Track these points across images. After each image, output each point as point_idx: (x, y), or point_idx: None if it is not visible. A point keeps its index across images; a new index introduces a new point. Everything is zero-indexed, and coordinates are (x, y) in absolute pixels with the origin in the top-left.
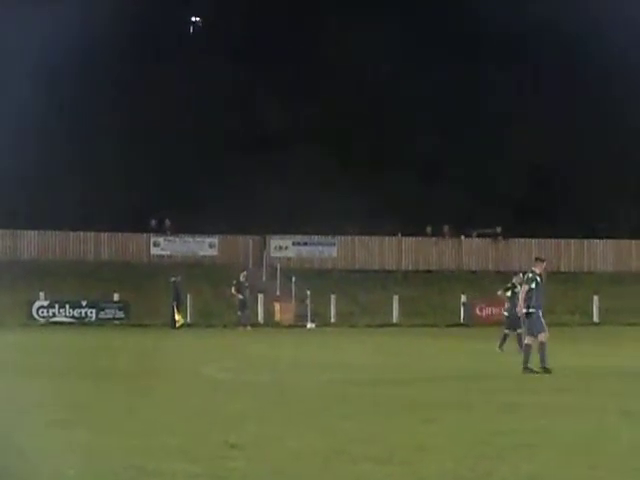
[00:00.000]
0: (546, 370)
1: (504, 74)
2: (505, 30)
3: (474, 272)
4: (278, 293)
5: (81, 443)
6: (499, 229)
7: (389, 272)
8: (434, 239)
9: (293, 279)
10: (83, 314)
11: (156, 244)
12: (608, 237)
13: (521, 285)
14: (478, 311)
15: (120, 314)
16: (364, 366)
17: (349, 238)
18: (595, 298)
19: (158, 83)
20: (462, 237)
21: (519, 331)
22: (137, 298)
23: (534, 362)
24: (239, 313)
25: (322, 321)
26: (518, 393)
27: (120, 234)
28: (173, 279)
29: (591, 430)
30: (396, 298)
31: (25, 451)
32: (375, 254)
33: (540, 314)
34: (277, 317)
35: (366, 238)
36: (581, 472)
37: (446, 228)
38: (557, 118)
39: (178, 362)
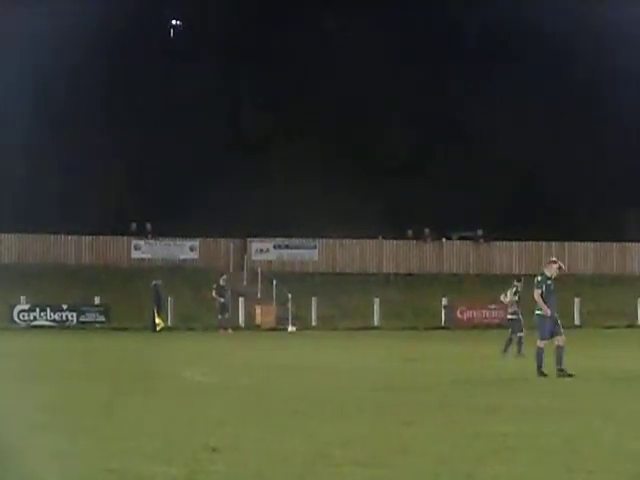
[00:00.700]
0: (563, 372)
1: (486, 74)
2: (488, 29)
3: (455, 275)
4: (259, 296)
5: (60, 447)
6: (480, 232)
7: (370, 275)
8: (415, 242)
9: (274, 282)
10: (64, 318)
11: (137, 247)
12: (589, 239)
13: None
14: (459, 314)
15: (101, 318)
16: (345, 369)
17: (330, 241)
18: (576, 300)
19: (139, 87)
20: (443, 240)
21: (519, 334)
22: (118, 301)
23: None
24: (219, 316)
25: (303, 324)
26: (499, 396)
27: (101, 238)
28: (154, 282)
29: (571, 433)
30: (377, 301)
31: (4, 455)
32: (356, 257)
33: (552, 317)
34: (258, 320)
35: (347, 241)
36: (561, 475)
37: (427, 231)
38: (539, 120)
39: (158, 365)
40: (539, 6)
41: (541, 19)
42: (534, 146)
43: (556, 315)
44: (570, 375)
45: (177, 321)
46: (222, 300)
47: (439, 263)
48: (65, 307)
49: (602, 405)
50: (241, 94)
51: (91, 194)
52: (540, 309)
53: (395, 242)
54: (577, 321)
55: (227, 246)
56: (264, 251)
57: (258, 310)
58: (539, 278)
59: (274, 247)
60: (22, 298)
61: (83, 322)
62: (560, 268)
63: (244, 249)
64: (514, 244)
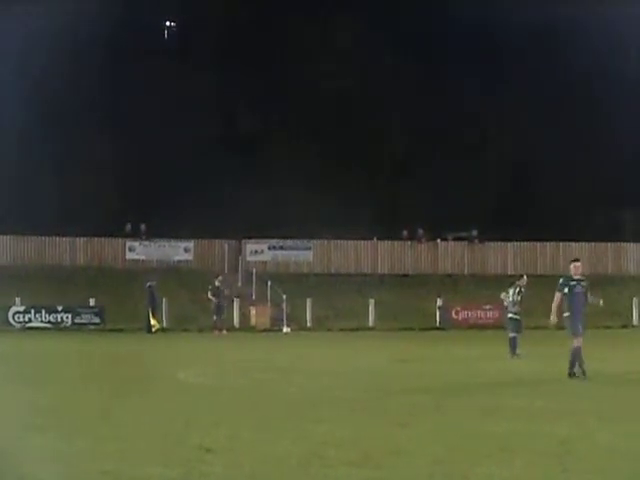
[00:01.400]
0: (571, 375)
1: (479, 74)
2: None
3: (450, 275)
4: (254, 297)
5: (56, 448)
6: (475, 232)
7: (365, 276)
8: (410, 243)
9: (269, 283)
10: (59, 319)
11: (131, 249)
12: (584, 240)
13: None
14: (454, 314)
15: (96, 319)
16: (339, 370)
17: (325, 242)
18: None
19: (133, 87)
20: (438, 240)
21: (515, 335)
22: (113, 303)
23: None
24: (214, 317)
25: (298, 325)
26: (494, 397)
27: (95, 239)
28: (149, 284)
29: (567, 434)
30: (372, 302)
31: (0, 456)
32: (351, 258)
33: (576, 318)
34: (253, 321)
35: (342, 242)
36: (556, 476)
37: (422, 232)
38: (534, 120)
39: (154, 367)
40: (536, 6)
41: (537, 19)
42: (529, 146)
43: (582, 316)
44: (577, 377)
45: (172, 322)
46: (217, 301)
47: (434, 264)
48: (60, 309)
49: (597, 406)
50: (236, 95)
51: (86, 195)
52: (568, 310)
53: (390, 243)
54: None
55: (222, 247)
56: (259, 252)
57: (253, 311)
58: (560, 280)
59: (269, 248)
60: (17, 300)
61: (78, 323)
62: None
63: (239, 250)
64: (509, 244)
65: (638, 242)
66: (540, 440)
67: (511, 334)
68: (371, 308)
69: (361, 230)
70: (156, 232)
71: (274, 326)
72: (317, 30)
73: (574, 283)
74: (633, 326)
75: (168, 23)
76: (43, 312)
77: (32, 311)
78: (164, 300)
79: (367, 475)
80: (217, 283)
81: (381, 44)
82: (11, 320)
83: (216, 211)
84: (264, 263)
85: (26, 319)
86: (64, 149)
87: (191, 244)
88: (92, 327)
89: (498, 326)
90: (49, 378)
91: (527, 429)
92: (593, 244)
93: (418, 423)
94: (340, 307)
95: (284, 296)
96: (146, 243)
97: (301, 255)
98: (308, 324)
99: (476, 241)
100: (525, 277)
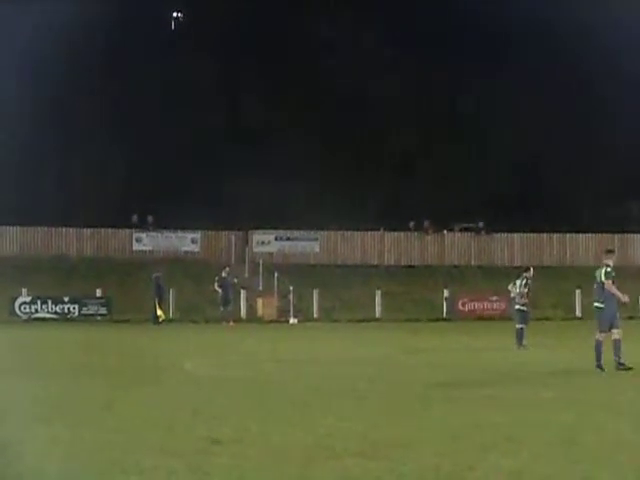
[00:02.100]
0: (623, 366)
1: (488, 67)
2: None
3: (456, 267)
4: (260, 288)
5: (62, 439)
6: (481, 224)
7: (371, 267)
8: (416, 234)
9: (275, 274)
10: (65, 310)
11: (138, 240)
12: (590, 231)
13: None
14: (461, 306)
15: (102, 310)
16: (346, 361)
17: (331, 233)
18: (578, 292)
19: (140, 78)
20: (444, 232)
21: (522, 326)
22: (119, 294)
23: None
24: (221, 308)
25: (305, 316)
26: (500, 388)
27: (102, 230)
28: (155, 275)
29: (573, 424)
30: (379, 293)
31: (6, 447)
32: (357, 249)
33: (613, 309)
34: (260, 312)
35: (348, 233)
36: (563, 466)
37: (428, 223)
38: (539, 113)
39: (160, 358)
40: (540, 3)
41: (541, 16)
42: (535, 138)
43: (617, 308)
44: (629, 368)
45: (178, 313)
46: (223, 293)
47: (440, 255)
48: (66, 299)
49: (604, 396)
50: (242, 86)
51: (92, 186)
52: (599, 301)
53: (396, 234)
54: (578, 313)
55: (228, 238)
56: (265, 243)
57: (260, 302)
58: (608, 269)
59: (275, 239)
60: (23, 290)
61: (84, 314)
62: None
63: (245, 241)
64: (515, 236)
65: None
66: (547, 431)
67: (518, 325)
68: (378, 299)
69: (368, 221)
70: (163, 223)
71: (281, 317)
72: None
73: (615, 273)
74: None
75: (175, 14)
76: (49, 303)
77: (38, 302)
78: (171, 291)
79: (374, 466)
80: (224, 274)
81: (389, 37)
82: (17, 311)
83: (223, 202)
84: (271, 254)
85: (32, 310)
86: (71, 140)
87: (198, 235)
88: (98, 318)
89: (505, 317)
90: (55, 369)
91: (534, 419)
92: (600, 235)
93: (424, 414)
94: (347, 298)
95: (291, 287)
96: (153, 234)
97: (308, 246)
98: (315, 315)
99: (483, 232)
100: (532, 269)
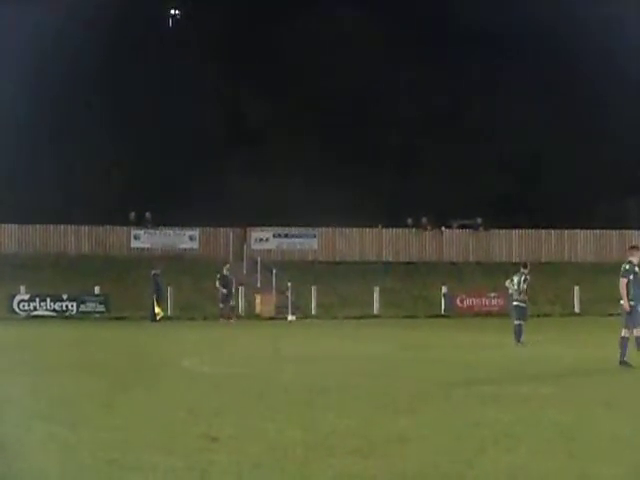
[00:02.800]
0: (623, 362)
1: (486, 65)
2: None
3: (455, 263)
4: (259, 285)
5: (61, 437)
6: (480, 220)
7: (370, 264)
8: (415, 231)
9: (274, 271)
10: (64, 307)
11: (136, 237)
12: (589, 227)
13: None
14: (459, 302)
15: (101, 307)
16: (344, 358)
17: (330, 230)
18: (576, 289)
19: (138, 75)
20: (443, 228)
21: (520, 322)
22: (118, 291)
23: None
24: (221, 305)
25: (303, 313)
26: (498, 384)
27: (100, 227)
28: (153, 272)
29: (572, 421)
30: (377, 290)
31: (5, 445)
32: (356, 246)
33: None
34: (258, 309)
35: (347, 230)
36: (562, 463)
37: (426, 220)
38: (538, 110)
39: (158, 355)
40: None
41: (540, 14)
42: (534, 135)
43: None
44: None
45: (177, 310)
46: (224, 291)
47: (439, 251)
48: (65, 297)
49: (602, 393)
50: (241, 83)
51: (91, 184)
52: (631, 299)
53: (395, 231)
54: (577, 309)
55: (227, 235)
56: (264, 240)
57: (258, 299)
58: (626, 266)
59: (274, 236)
60: (22, 288)
61: (83, 312)
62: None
63: (244, 238)
64: (514, 232)
65: None
66: (545, 427)
67: (516, 322)
68: (376, 296)
69: (366, 218)
70: (161, 220)
71: (279, 314)
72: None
73: (637, 270)
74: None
75: (173, 11)
76: (48, 300)
77: (37, 299)
78: (169, 288)
79: (372, 464)
80: (225, 272)
81: (390, 34)
82: (16, 308)
83: (221, 199)
84: (269, 251)
85: (31, 307)
86: (69, 138)
87: (196, 232)
88: (97, 315)
89: (503, 314)
90: (54, 367)
91: (532, 416)
92: (598, 232)
93: (423, 411)
94: (345, 295)
95: (289, 284)
96: (151, 231)
97: (306, 243)
98: (313, 312)
99: (481, 229)
100: (529, 265)
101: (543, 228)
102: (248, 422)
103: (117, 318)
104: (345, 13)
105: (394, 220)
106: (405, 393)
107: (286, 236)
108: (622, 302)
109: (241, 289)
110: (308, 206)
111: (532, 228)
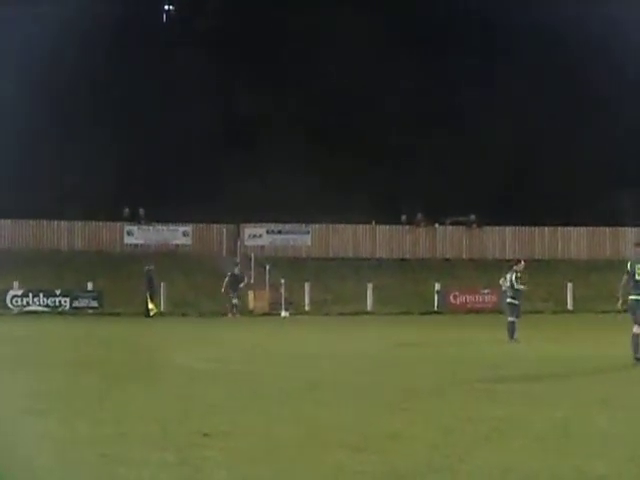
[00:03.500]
0: (637, 359)
1: (480, 61)
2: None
3: (448, 260)
4: (252, 281)
5: (54, 432)
6: (473, 217)
7: (363, 260)
8: (408, 227)
9: (267, 267)
10: (57, 303)
11: (130, 233)
12: (582, 224)
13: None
14: (452, 299)
15: (94, 303)
16: (338, 354)
17: (323, 226)
18: (569, 286)
19: (132, 72)
20: (436, 225)
21: (513, 319)
22: (111, 287)
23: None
24: (234, 301)
25: (296, 309)
26: (491, 380)
27: (94, 223)
28: (147, 268)
29: (565, 417)
30: (370, 286)
31: None
32: (349, 242)
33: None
34: (251, 306)
35: (340, 226)
36: (555, 459)
37: (420, 216)
38: (530, 107)
39: (152, 351)
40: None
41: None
42: (527, 130)
43: None
44: None
45: (170, 306)
46: (235, 293)
47: (432, 248)
48: (58, 292)
49: (595, 390)
50: (234, 80)
51: (84, 180)
52: (635, 294)
53: (388, 227)
54: (570, 306)
55: (220, 231)
56: (257, 236)
57: (251, 295)
58: (630, 263)
59: (267, 232)
60: (15, 283)
61: (76, 307)
62: None
63: (237, 234)
64: (507, 229)
65: (636, 226)
66: (538, 424)
67: (509, 318)
68: (369, 292)
69: (359, 214)
70: (154, 216)
71: (272, 310)
72: (316, 16)
73: None
74: None
75: (167, 7)
76: (41, 296)
77: (30, 295)
78: (162, 284)
79: (365, 459)
80: (237, 271)
81: (385, 29)
82: (9, 304)
83: (214, 195)
84: (262, 247)
85: (24, 303)
86: (63, 133)
87: (189, 228)
88: (90, 311)
89: (496, 310)
90: (47, 362)
91: (525, 413)
92: (591, 228)
93: (416, 407)
94: (338, 291)
95: (282, 280)
96: (144, 227)
97: (299, 239)
98: (306, 308)
99: (474, 226)
100: (522, 262)
101: (536, 225)
102: (241, 418)
103: (110, 314)
104: (342, 7)
105: (387, 217)
106: (398, 389)
107: (279, 232)
108: (632, 297)
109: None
110: (301, 202)
111: (525, 225)
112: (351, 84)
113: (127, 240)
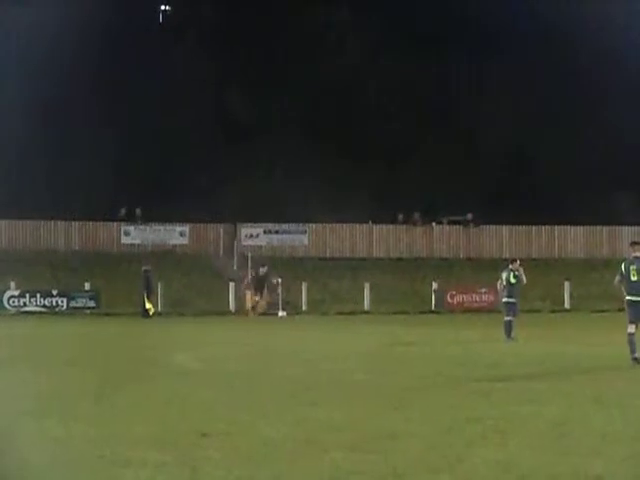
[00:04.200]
0: (634, 360)
1: (475, 61)
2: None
3: (445, 259)
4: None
5: (51, 433)
6: (470, 216)
7: (360, 260)
8: (405, 227)
9: (264, 269)
10: (54, 303)
11: (126, 233)
12: (579, 223)
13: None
14: (449, 298)
15: (91, 303)
16: (335, 354)
17: (320, 226)
18: (566, 284)
19: (128, 72)
20: (433, 224)
21: (509, 318)
22: (108, 287)
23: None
24: (257, 298)
25: (293, 309)
26: (488, 379)
27: (90, 223)
28: (144, 268)
29: (562, 416)
30: (367, 286)
31: None
32: (346, 242)
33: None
34: (248, 305)
35: (337, 226)
36: (552, 458)
37: (417, 215)
38: (528, 104)
39: (149, 351)
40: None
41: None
42: (523, 130)
43: None
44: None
45: (167, 306)
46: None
47: (429, 247)
48: (55, 293)
49: (592, 389)
50: (230, 80)
51: (81, 179)
52: (630, 294)
53: (385, 227)
54: (567, 305)
55: (217, 231)
56: (254, 236)
57: (248, 295)
58: (623, 264)
59: (264, 232)
60: (12, 284)
61: (73, 308)
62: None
63: (234, 234)
64: (504, 228)
65: (633, 225)
66: (535, 422)
67: (506, 317)
68: (366, 292)
69: (356, 214)
70: (151, 216)
71: (269, 310)
72: (314, 15)
73: (635, 266)
74: None
75: (163, 7)
76: (38, 296)
77: (27, 295)
78: (159, 284)
79: (363, 459)
80: (262, 272)
81: (380, 29)
82: (6, 304)
83: (211, 195)
84: (259, 247)
85: (21, 303)
86: (59, 133)
87: (186, 228)
88: (87, 311)
89: (493, 310)
90: (44, 362)
91: (522, 411)
92: (589, 227)
93: (413, 406)
94: (335, 291)
95: (279, 280)
96: (141, 227)
97: (296, 239)
98: (303, 308)
99: (471, 225)
100: (518, 261)
101: (533, 224)
102: (239, 417)
103: (107, 314)
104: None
105: (384, 216)
106: (395, 388)
107: (276, 232)
108: (627, 297)
109: (231, 285)
110: (298, 202)
111: (522, 224)
112: (348, 84)
113: (124, 240)
